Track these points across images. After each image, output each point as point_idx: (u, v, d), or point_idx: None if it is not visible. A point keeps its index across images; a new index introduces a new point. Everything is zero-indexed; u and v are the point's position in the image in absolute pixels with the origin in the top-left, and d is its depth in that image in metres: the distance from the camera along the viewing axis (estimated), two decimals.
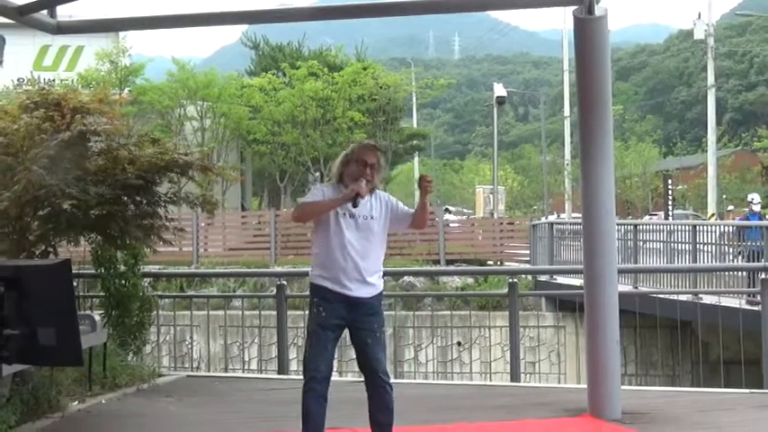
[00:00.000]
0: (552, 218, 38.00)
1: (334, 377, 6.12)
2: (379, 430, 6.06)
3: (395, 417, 6.07)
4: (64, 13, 8.75)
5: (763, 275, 10.72)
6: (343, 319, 6.00)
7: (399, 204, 6.26)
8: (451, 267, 25.73)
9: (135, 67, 36.85)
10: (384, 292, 6.26)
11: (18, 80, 33.19)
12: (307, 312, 6.12)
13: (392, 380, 6.16)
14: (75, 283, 8.51)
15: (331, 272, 5.99)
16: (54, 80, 33.39)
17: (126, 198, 9.30)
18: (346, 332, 6.11)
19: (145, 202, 9.50)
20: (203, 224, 27.86)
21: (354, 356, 6.15)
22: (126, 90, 34.35)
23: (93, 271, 10.41)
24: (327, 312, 5.97)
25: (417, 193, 6.69)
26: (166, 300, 13.69)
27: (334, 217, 5.99)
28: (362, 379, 6.12)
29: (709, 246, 18.98)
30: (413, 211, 6.27)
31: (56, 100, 9.40)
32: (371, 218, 6.06)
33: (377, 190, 6.18)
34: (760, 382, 10.35)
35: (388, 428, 6.06)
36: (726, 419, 8.04)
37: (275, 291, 11.47)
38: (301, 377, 6.04)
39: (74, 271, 5.30)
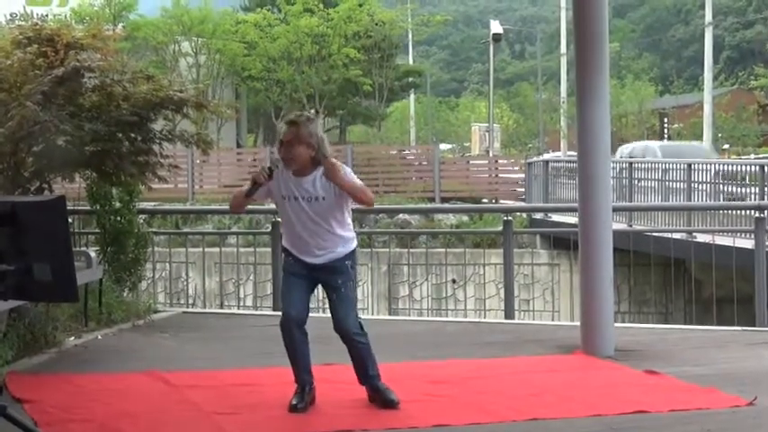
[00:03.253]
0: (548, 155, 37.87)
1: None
2: (366, 381, 6.11)
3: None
4: None
5: (757, 214, 10.77)
6: (310, 273, 6.06)
7: (350, 175, 5.92)
8: (447, 205, 25.75)
9: (128, 2, 36.35)
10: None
11: (11, 15, 32.84)
12: None
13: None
14: (70, 220, 8.52)
15: (290, 244, 6.09)
16: (47, 15, 32.94)
17: (120, 135, 9.26)
18: None
19: (140, 138, 9.46)
20: (198, 161, 27.79)
21: None
22: (120, 25, 34.01)
23: (88, 207, 10.41)
24: (295, 262, 6.06)
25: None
26: (162, 236, 13.74)
27: (281, 201, 6.01)
28: None
29: (704, 185, 19.00)
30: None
31: (49, 35, 9.30)
32: (317, 199, 5.89)
33: (327, 162, 5.83)
34: (752, 319, 10.43)
35: (376, 379, 6.09)
36: (717, 356, 8.12)
37: (270, 228, 11.49)
38: None
39: (69, 207, 5.30)
